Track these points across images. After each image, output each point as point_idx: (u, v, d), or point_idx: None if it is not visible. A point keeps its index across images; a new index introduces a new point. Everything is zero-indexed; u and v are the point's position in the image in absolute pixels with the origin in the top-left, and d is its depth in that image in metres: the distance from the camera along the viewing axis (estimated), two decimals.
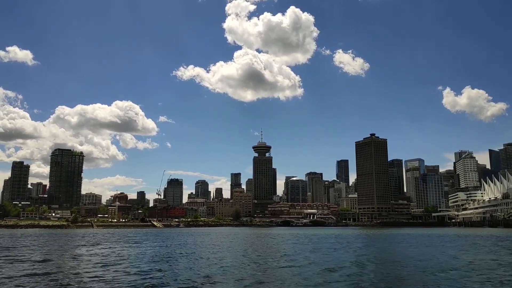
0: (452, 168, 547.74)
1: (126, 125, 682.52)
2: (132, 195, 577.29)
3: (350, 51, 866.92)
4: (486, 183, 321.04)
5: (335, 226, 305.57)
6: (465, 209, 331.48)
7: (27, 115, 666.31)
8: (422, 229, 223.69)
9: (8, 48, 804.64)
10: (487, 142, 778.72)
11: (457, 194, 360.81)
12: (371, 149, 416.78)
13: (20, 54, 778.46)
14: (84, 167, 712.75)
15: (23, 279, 31.82)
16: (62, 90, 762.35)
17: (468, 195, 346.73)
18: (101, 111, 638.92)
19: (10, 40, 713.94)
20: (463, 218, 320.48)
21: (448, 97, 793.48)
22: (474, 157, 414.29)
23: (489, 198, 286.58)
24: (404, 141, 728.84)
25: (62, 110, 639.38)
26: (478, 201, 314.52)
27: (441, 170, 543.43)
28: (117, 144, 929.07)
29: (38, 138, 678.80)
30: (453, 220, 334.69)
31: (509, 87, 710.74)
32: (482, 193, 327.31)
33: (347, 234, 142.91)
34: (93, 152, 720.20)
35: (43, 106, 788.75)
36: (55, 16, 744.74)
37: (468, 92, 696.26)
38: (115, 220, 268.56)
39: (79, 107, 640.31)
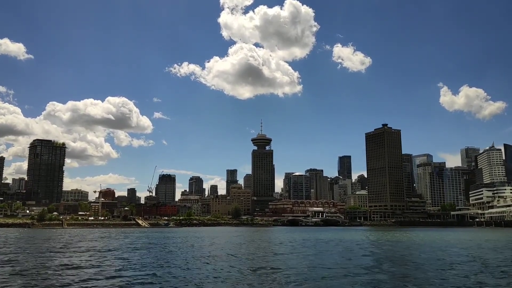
0: (459, 165, 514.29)
1: (119, 122, 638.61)
2: (123, 193, 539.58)
3: (350, 43, 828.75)
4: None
5: (349, 226, 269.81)
6: (492, 207, 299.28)
7: (19, 110, 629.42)
8: (452, 230, 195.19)
9: None
10: (486, 141, 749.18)
11: (481, 191, 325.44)
12: (384, 141, 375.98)
13: (12, 47, 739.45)
14: (77, 165, 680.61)
15: None
16: (53, 85, 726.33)
17: (495, 192, 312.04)
18: (93, 107, 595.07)
19: (1, 32, 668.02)
20: (491, 217, 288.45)
21: (445, 96, 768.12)
22: (500, 149, 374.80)
23: None
24: (405, 138, 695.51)
25: (53, 106, 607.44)
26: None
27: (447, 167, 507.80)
28: (111, 141, 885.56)
29: (30, 134, 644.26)
30: (477, 220, 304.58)
31: (508, 85, 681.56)
32: None
33: (412, 242, 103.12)
34: (87, 149, 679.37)
35: (34, 101, 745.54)
36: (49, 9, 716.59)
37: (466, 91, 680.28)
38: (91, 218, 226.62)
39: (70, 103, 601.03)
